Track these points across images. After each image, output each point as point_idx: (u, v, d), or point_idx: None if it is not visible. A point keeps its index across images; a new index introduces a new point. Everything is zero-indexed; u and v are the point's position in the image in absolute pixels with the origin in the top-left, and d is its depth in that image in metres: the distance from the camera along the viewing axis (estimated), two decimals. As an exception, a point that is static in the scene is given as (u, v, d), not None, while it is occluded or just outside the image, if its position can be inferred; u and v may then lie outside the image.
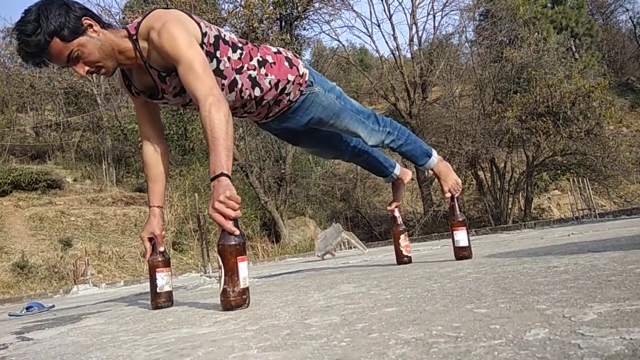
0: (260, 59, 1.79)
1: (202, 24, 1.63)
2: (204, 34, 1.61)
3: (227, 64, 1.69)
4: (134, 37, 1.60)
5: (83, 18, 1.53)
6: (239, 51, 1.73)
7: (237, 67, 1.72)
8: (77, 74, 1.70)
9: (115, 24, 13.82)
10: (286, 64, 1.85)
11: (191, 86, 1.49)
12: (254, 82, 1.78)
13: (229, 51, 1.70)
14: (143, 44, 1.60)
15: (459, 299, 0.96)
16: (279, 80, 1.82)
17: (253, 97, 1.80)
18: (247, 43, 1.80)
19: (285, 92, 1.86)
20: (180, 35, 1.52)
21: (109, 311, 2.00)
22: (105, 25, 1.59)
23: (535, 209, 14.89)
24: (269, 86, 1.80)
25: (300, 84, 1.88)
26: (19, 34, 1.47)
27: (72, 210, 13.24)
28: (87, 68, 1.56)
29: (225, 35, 1.71)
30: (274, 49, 1.88)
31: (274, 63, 1.82)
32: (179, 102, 1.78)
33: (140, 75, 1.71)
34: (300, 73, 1.88)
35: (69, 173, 15.98)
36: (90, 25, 1.54)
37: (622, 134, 12.71)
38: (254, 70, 1.77)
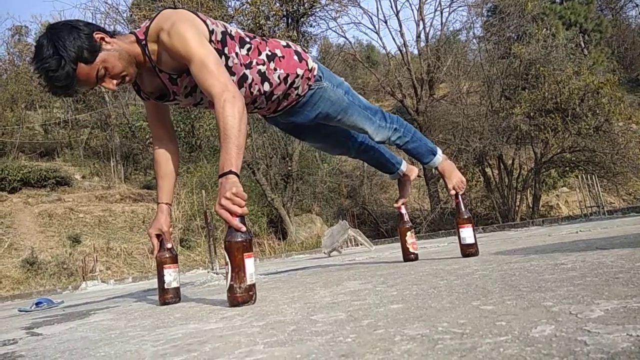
0: (269, 53, 1.78)
1: (208, 21, 1.62)
2: (211, 32, 1.61)
3: (236, 60, 1.69)
4: (143, 42, 1.59)
5: (94, 34, 1.51)
6: (247, 46, 1.72)
7: (246, 62, 1.72)
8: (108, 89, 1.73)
9: (122, 21, 13.90)
10: (295, 57, 1.84)
11: (205, 84, 1.49)
12: (263, 77, 1.77)
13: (236, 47, 1.69)
14: (152, 47, 1.60)
15: (465, 295, 0.96)
16: (287, 75, 1.81)
17: (262, 92, 1.80)
18: (254, 37, 1.79)
19: (294, 86, 1.85)
20: (191, 34, 1.52)
21: (117, 307, 2.01)
22: (112, 34, 1.58)
23: (544, 206, 14.78)
24: (278, 81, 1.79)
25: (309, 78, 1.88)
26: (44, 72, 1.44)
27: (81, 207, 13.35)
28: (115, 81, 1.57)
29: (232, 31, 1.70)
30: (283, 43, 1.86)
31: (283, 57, 1.81)
32: (190, 102, 1.79)
33: (150, 78, 1.71)
34: (309, 67, 1.87)
35: (77, 170, 16.10)
36: (102, 38, 1.53)
37: (632, 131, 12.52)
38: (263, 65, 1.76)
